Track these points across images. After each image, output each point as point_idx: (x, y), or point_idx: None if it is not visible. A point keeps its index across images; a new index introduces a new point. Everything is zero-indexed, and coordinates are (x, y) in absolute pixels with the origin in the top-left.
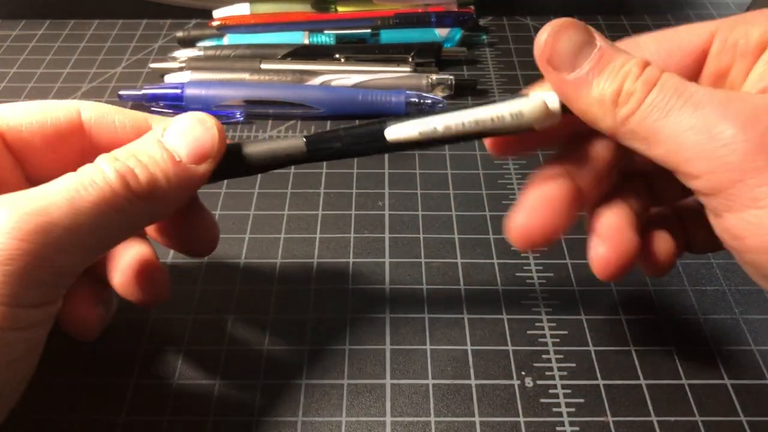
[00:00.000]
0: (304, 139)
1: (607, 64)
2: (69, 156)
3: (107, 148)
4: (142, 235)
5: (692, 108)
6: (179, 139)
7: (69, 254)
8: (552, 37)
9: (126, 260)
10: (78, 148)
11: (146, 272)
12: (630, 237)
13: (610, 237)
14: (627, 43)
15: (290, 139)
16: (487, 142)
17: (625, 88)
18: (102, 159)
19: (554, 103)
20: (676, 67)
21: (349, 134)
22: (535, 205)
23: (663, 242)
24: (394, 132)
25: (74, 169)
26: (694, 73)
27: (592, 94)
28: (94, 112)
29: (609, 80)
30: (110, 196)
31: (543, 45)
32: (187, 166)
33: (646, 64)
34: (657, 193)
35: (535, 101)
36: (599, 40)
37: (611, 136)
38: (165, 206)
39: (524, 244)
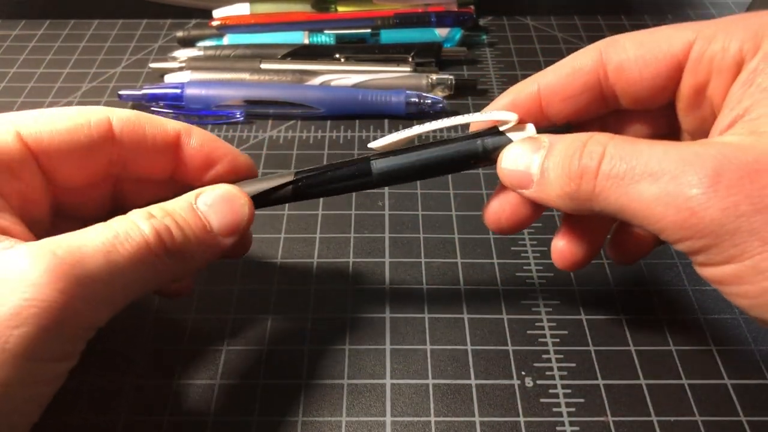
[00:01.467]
0: (292, 183)
1: (556, 156)
2: (97, 167)
3: (135, 161)
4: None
5: (650, 179)
6: (212, 212)
7: (98, 309)
8: (502, 163)
9: None
10: (106, 159)
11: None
12: (591, 239)
13: (573, 234)
14: (607, 43)
15: (279, 178)
16: (488, 214)
17: (572, 170)
18: (136, 215)
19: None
20: (653, 78)
21: (335, 174)
22: (509, 198)
23: (636, 237)
24: (378, 142)
25: (102, 182)
26: (671, 83)
27: (554, 191)
28: (125, 123)
29: (558, 167)
30: (145, 252)
31: (500, 174)
32: (215, 235)
33: (587, 141)
34: None
35: (508, 111)
36: (546, 138)
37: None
38: (189, 267)
39: (495, 230)
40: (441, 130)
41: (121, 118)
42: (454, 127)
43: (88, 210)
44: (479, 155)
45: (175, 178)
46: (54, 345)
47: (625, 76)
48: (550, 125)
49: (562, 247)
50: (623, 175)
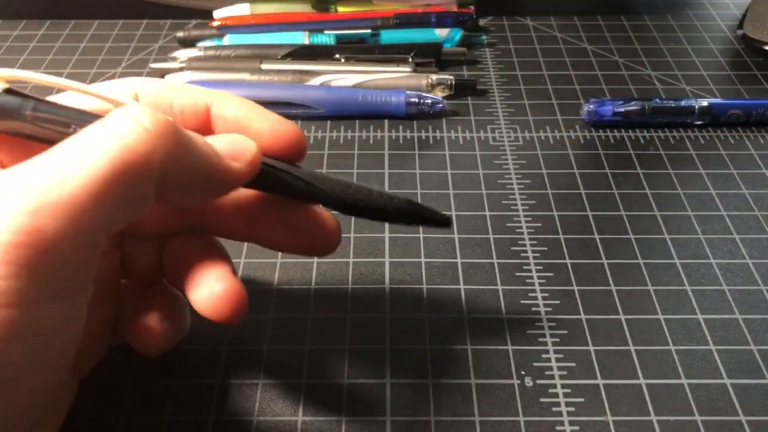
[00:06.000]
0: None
1: None
2: None
3: None
4: (221, 253)
5: None
6: (213, 140)
7: (88, 226)
8: None
9: (206, 276)
10: None
11: (227, 290)
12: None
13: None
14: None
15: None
16: None
17: None
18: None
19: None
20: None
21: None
22: None
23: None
24: None
25: None
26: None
27: None
28: (151, 96)
29: None
30: (133, 143)
31: None
32: (220, 154)
33: None
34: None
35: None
36: None
37: None
38: (192, 185)
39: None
40: None
41: (146, 91)
42: None
43: None
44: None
45: None
46: (45, 282)
47: None
48: None
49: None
50: None
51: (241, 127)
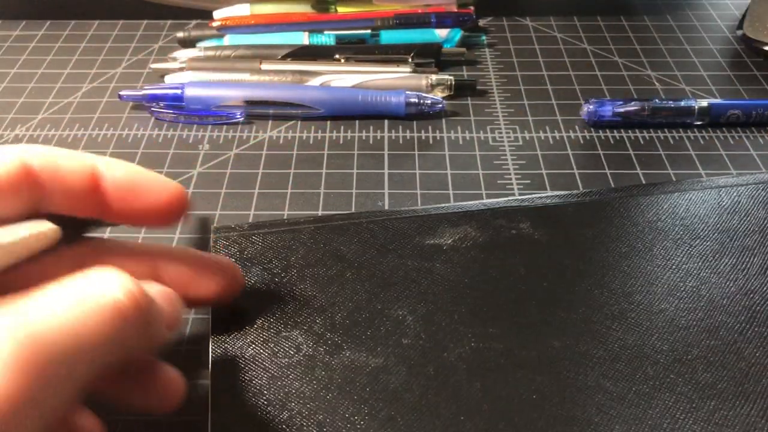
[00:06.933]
0: None
1: None
2: (17, 208)
3: (57, 197)
4: None
5: None
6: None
7: (59, 394)
8: None
9: None
10: (27, 198)
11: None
12: None
13: None
14: None
15: None
16: None
17: None
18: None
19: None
20: None
21: None
22: None
23: None
24: None
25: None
26: None
27: None
28: (38, 162)
29: None
30: (117, 318)
31: None
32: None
33: None
34: None
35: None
36: None
37: None
38: (154, 339)
39: None
40: None
41: (34, 158)
42: None
43: None
44: None
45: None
46: None
47: None
48: None
49: None
50: None
51: (132, 187)
